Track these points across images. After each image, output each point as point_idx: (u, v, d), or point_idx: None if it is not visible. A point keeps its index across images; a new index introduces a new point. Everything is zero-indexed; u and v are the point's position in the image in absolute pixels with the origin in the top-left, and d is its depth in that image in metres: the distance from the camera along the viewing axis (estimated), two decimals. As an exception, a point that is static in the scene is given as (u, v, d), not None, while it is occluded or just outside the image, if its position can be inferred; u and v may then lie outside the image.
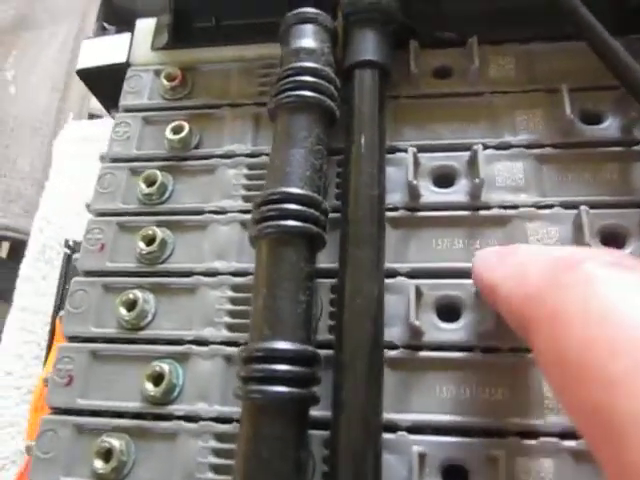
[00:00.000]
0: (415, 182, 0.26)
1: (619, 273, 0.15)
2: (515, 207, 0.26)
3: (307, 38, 0.28)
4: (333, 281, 0.26)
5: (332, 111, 0.27)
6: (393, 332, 0.25)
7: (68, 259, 0.53)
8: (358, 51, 0.28)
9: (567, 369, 0.15)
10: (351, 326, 0.23)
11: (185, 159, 0.30)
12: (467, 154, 0.27)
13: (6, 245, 0.84)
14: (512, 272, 0.19)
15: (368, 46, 0.28)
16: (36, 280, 0.56)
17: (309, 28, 0.28)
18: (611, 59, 0.26)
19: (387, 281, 0.25)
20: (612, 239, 0.25)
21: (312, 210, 0.24)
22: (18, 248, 0.73)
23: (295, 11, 0.28)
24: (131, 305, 0.27)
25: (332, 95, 0.27)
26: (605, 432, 0.13)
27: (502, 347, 0.24)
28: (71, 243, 0.54)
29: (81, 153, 0.63)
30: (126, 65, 0.34)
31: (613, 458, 0.13)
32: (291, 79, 0.26)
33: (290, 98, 0.26)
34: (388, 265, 0.26)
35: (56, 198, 0.62)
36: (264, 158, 0.29)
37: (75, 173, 0.62)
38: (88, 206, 0.30)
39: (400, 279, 0.26)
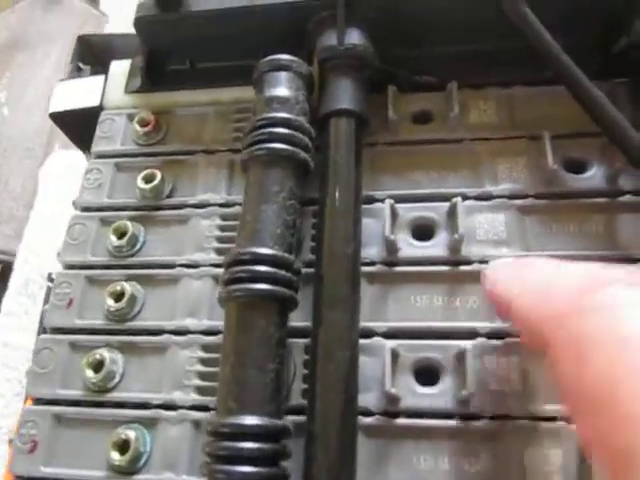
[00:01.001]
0: (392, 237, 0.25)
1: None
2: (496, 262, 0.25)
3: (280, 86, 0.27)
4: (307, 341, 0.25)
5: (306, 163, 0.26)
6: (368, 398, 0.23)
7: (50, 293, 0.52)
8: (334, 99, 0.27)
9: (587, 399, 0.15)
10: (323, 395, 0.22)
11: (157, 208, 0.29)
12: (447, 205, 0.26)
13: (-2, 267, 0.83)
14: (531, 288, 0.19)
15: (344, 94, 0.27)
16: (18, 315, 0.55)
17: (283, 76, 0.27)
18: (592, 106, 0.25)
19: (362, 342, 0.24)
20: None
21: (283, 271, 0.23)
22: (8, 270, 0.72)
23: (269, 58, 0.27)
24: (98, 366, 0.26)
25: (306, 146, 0.26)
26: (622, 465, 0.13)
27: (483, 414, 0.23)
28: (54, 276, 0.53)
29: (67, 182, 0.62)
30: (99, 109, 0.33)
31: None
32: (263, 130, 0.25)
33: (262, 151, 0.25)
34: (364, 324, 0.24)
35: (41, 228, 0.61)
36: (238, 208, 0.28)
37: (61, 202, 0.61)
38: (59, 255, 0.30)
39: (376, 339, 0.25)
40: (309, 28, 0.29)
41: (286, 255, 0.23)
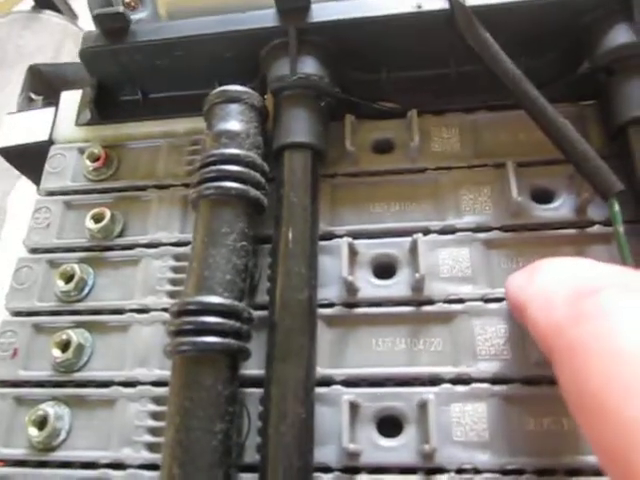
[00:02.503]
0: (350, 278, 0.24)
1: (638, 301, 0.15)
2: (461, 301, 0.24)
3: (231, 120, 0.25)
4: (262, 391, 0.23)
5: (258, 201, 0.25)
6: (326, 453, 0.22)
7: None
8: (287, 131, 0.26)
9: (586, 404, 0.15)
10: (276, 458, 0.20)
11: (107, 249, 0.28)
12: (409, 240, 0.25)
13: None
14: (538, 293, 0.19)
15: (298, 126, 0.26)
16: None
17: (233, 108, 0.26)
18: (557, 136, 0.24)
19: (320, 391, 0.23)
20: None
21: (232, 321, 0.22)
22: None
23: (218, 90, 0.26)
24: (42, 423, 0.24)
25: (258, 183, 0.25)
26: (622, 472, 0.14)
27: (448, 467, 0.22)
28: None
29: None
30: (49, 143, 0.31)
31: None
32: (212, 168, 0.24)
33: (210, 190, 0.24)
34: (321, 371, 0.23)
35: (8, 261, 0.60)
36: (192, 247, 0.27)
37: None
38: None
39: (335, 388, 0.23)
40: (262, 56, 0.28)
41: (235, 303, 0.22)
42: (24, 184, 0.67)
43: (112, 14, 0.28)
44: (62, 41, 1.00)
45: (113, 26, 0.28)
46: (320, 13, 0.27)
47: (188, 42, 0.28)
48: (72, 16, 1.05)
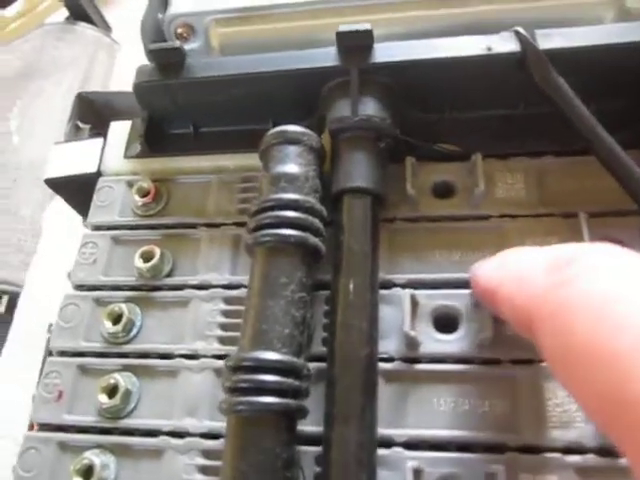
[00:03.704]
0: (413, 333, 0.23)
1: (618, 259, 0.16)
2: (529, 362, 0.23)
3: (289, 162, 0.25)
4: (319, 449, 0.22)
5: (317, 248, 0.24)
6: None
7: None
8: (347, 176, 0.25)
9: (573, 356, 0.15)
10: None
11: (156, 289, 0.27)
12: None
13: (5, 299, 0.82)
14: (512, 275, 0.19)
15: (358, 170, 0.25)
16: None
17: (291, 150, 0.25)
18: (631, 184, 0.23)
19: (380, 452, 0.22)
20: None
21: (291, 380, 0.21)
22: (15, 301, 0.70)
23: (276, 130, 0.25)
24: (87, 472, 0.23)
25: (317, 230, 0.24)
26: (617, 409, 0.14)
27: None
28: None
29: (72, 225, 0.60)
30: (97, 175, 0.31)
31: (629, 433, 0.13)
32: (270, 213, 0.23)
33: (268, 237, 0.23)
34: (381, 431, 0.22)
35: (43, 275, 0.60)
36: (243, 291, 0.26)
37: (65, 247, 0.59)
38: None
39: (396, 451, 0.22)
40: (321, 95, 0.27)
41: (294, 359, 0.21)
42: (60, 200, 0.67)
43: (168, 49, 0.27)
44: (96, 52, 1.01)
45: (169, 61, 0.27)
46: (383, 53, 0.26)
47: (246, 79, 0.27)
48: (106, 28, 1.06)
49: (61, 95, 0.98)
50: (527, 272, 0.18)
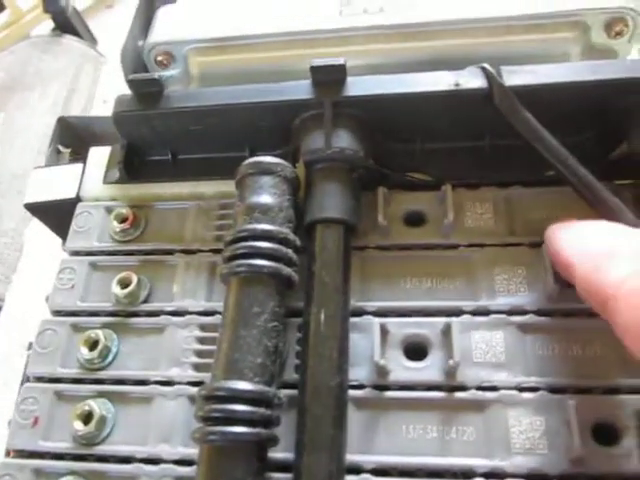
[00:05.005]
0: (382, 362, 0.23)
1: None
2: (495, 389, 0.23)
3: (264, 193, 0.25)
4: (289, 477, 0.22)
5: (290, 278, 0.24)
6: None
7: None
8: (320, 207, 0.26)
9: None
10: None
11: (132, 314, 0.28)
12: (441, 320, 0.24)
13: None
14: (593, 257, 0.20)
15: (331, 201, 0.26)
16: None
17: (266, 181, 0.25)
18: (607, 212, 0.24)
19: (349, 479, 0.22)
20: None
21: (262, 409, 0.21)
22: None
23: (251, 160, 0.26)
24: (61, 500, 0.24)
25: (290, 260, 0.24)
26: None
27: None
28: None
29: (54, 244, 0.60)
30: (76, 200, 0.31)
31: None
32: (244, 244, 0.24)
33: (242, 267, 0.23)
34: (350, 457, 0.22)
35: (24, 293, 0.60)
36: (219, 317, 0.26)
37: (45, 265, 0.59)
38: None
39: (364, 477, 0.22)
40: (295, 126, 0.27)
41: (266, 389, 0.22)
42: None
43: (147, 80, 0.28)
44: (82, 65, 1.02)
45: (148, 91, 0.28)
46: (356, 87, 0.26)
47: (223, 110, 0.27)
48: (92, 40, 1.06)
49: (46, 108, 0.98)
50: (610, 262, 0.19)
